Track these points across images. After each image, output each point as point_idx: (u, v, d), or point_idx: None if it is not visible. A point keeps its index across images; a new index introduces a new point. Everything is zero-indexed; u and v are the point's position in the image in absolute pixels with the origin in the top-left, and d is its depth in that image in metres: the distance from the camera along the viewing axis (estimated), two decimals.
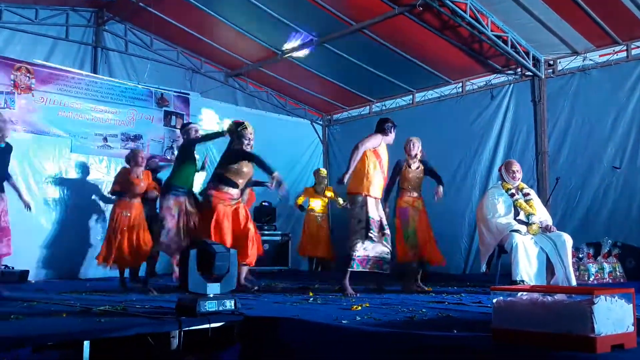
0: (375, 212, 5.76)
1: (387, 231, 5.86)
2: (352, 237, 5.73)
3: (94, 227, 8.65)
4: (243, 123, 5.75)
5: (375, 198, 5.82)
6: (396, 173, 6.66)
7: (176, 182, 6.15)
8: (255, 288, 5.83)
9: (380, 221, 5.79)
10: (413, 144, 6.63)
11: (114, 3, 9.23)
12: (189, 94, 10.01)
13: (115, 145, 9.04)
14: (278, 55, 9.76)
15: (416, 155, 6.66)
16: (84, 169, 8.81)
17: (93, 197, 8.83)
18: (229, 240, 5.49)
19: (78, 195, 8.69)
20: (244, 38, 9.36)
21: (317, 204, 9.88)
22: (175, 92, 9.83)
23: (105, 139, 8.96)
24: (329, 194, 9.88)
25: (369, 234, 5.64)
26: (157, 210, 6.76)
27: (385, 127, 6.00)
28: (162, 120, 9.59)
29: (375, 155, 5.86)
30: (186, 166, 6.22)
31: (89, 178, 8.84)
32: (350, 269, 5.63)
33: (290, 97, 11.49)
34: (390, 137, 6.05)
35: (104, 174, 8.95)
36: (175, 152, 9.17)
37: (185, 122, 8.99)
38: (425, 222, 6.68)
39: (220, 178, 5.56)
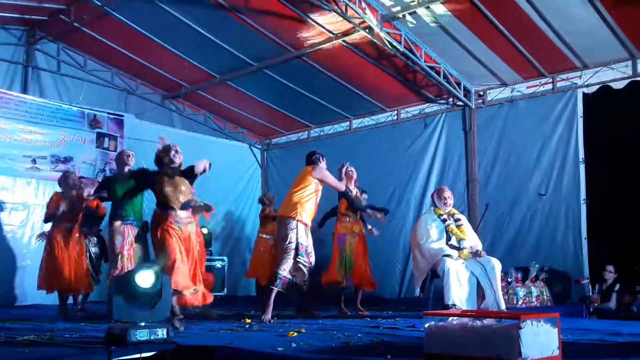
0: (305, 239, 5.84)
1: (312, 259, 5.90)
2: (280, 256, 5.80)
3: (19, 252, 8.29)
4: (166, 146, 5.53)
5: (305, 225, 5.88)
6: (339, 199, 6.83)
7: (122, 211, 5.88)
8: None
9: (307, 248, 5.84)
10: (352, 171, 6.79)
11: (46, 22, 8.98)
12: (123, 116, 9.79)
13: (44, 167, 8.73)
14: (216, 78, 9.74)
15: (355, 181, 6.81)
16: (11, 191, 8.45)
17: (19, 220, 8.47)
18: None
19: (1, 219, 8.32)
20: (181, 60, 9.26)
21: (266, 228, 9.54)
22: (108, 113, 9.60)
23: (34, 161, 8.64)
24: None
25: (298, 259, 5.68)
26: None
27: (314, 158, 6.19)
28: (94, 142, 9.34)
29: (317, 186, 6.01)
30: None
31: (16, 201, 8.48)
32: (275, 288, 5.65)
33: (228, 120, 11.43)
34: (322, 165, 6.22)
35: (31, 197, 8.60)
36: (108, 175, 8.95)
37: (119, 150, 8.79)
38: (362, 247, 6.83)
39: (161, 204, 5.36)
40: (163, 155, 5.24)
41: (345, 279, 6.72)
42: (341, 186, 6.24)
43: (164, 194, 5.13)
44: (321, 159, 6.20)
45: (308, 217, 5.92)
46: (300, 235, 5.79)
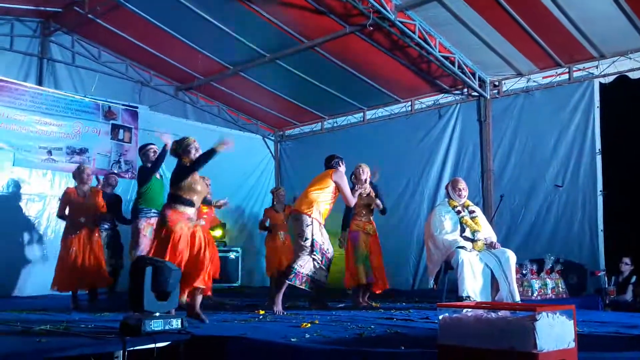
0: (320, 236, 5.83)
1: (330, 254, 5.90)
2: (296, 252, 5.82)
3: (35, 243, 8.37)
4: (184, 138, 5.52)
5: (320, 223, 5.89)
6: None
7: (144, 205, 6.16)
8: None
9: (323, 245, 5.82)
10: (362, 170, 6.80)
11: (61, 14, 9.02)
12: (137, 107, 9.83)
13: (60, 159, 8.79)
14: (229, 69, 9.74)
15: (365, 180, 6.79)
16: (27, 182, 8.52)
17: (36, 211, 8.55)
18: (182, 264, 5.26)
19: (19, 210, 8.40)
20: (194, 51, 9.28)
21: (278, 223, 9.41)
22: (123, 105, 9.64)
23: (49, 152, 8.70)
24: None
25: (313, 256, 5.68)
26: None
27: (334, 162, 6.23)
28: (109, 134, 9.39)
29: (335, 192, 6.05)
30: (150, 188, 6.18)
31: (32, 192, 8.55)
32: (288, 282, 5.64)
33: (242, 112, 11.45)
34: (342, 169, 6.27)
35: (47, 188, 8.68)
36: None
37: (144, 143, 8.89)
38: (377, 246, 6.81)
39: (175, 198, 5.34)
40: (184, 148, 5.19)
41: (367, 276, 6.66)
42: (351, 202, 6.18)
43: (193, 188, 5.09)
44: (340, 163, 6.25)
45: (321, 217, 5.92)
46: (316, 232, 5.77)
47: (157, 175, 6.30)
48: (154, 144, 6.43)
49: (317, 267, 5.74)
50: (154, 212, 6.04)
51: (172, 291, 3.83)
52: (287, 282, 5.65)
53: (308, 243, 5.73)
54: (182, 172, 5.16)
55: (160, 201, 5.92)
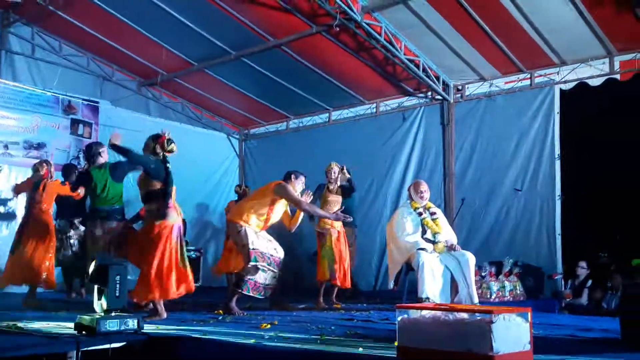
0: (257, 240, 5.65)
1: (278, 255, 5.77)
2: (245, 261, 5.67)
3: None
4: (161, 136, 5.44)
5: (252, 229, 5.72)
6: (317, 196, 6.88)
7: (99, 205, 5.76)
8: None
9: (263, 250, 5.66)
10: (333, 170, 6.97)
11: (20, 5, 8.77)
12: (98, 102, 9.64)
13: (17, 154, 8.56)
14: (194, 66, 9.62)
15: (335, 180, 6.98)
16: None
17: None
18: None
19: None
20: (158, 47, 9.11)
21: None
22: (84, 99, 9.44)
23: (6, 147, 8.46)
24: None
25: (258, 264, 5.55)
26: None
27: (287, 176, 6.01)
28: (68, 129, 9.18)
29: (272, 206, 5.78)
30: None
31: None
32: (240, 291, 5.53)
33: (206, 109, 11.31)
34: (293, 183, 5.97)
35: (3, 183, 8.43)
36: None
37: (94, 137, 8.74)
38: (342, 242, 6.83)
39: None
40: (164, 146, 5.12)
41: (330, 274, 6.72)
42: (302, 207, 5.83)
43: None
44: (294, 177, 5.96)
45: (255, 227, 5.73)
46: (250, 237, 5.60)
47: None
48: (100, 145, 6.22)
49: (267, 272, 5.62)
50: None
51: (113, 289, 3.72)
52: (241, 292, 5.55)
53: (245, 251, 5.59)
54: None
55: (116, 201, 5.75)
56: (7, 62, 9.06)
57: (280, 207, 5.84)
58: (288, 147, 10.95)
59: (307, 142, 10.59)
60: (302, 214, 6.01)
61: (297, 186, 5.91)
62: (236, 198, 9.11)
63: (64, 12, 8.68)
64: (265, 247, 5.71)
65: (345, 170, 7.08)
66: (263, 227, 5.77)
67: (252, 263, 5.54)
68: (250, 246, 5.57)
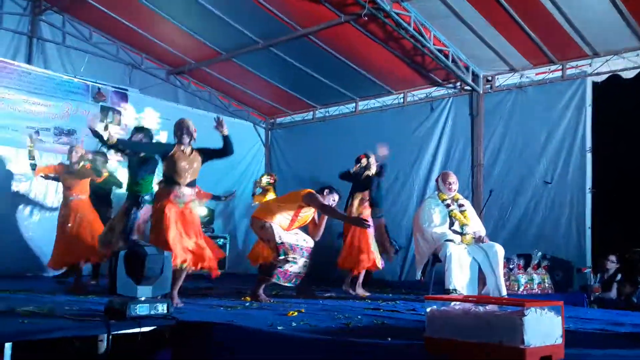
0: (285, 233, 5.74)
1: (307, 245, 5.84)
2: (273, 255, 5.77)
3: (19, 223, 8.30)
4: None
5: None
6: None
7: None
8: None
9: (292, 243, 5.74)
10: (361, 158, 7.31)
11: None
12: (127, 90, 9.74)
13: (47, 140, 8.69)
14: (222, 55, 9.65)
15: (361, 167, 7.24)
16: (13, 162, 8.42)
17: (21, 191, 8.46)
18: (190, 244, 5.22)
19: (4, 189, 8.31)
20: (187, 36, 9.19)
21: None
22: (113, 87, 9.54)
23: (37, 133, 8.58)
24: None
25: (289, 257, 5.64)
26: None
27: (321, 190, 6.03)
28: (98, 116, 9.28)
29: (297, 214, 5.85)
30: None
31: (19, 172, 8.46)
32: (270, 278, 5.62)
33: (233, 98, 11.36)
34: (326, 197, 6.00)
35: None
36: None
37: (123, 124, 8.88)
38: (365, 231, 6.83)
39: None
40: (175, 130, 5.23)
41: (354, 265, 6.83)
42: (327, 212, 5.92)
43: (176, 168, 5.11)
44: (327, 193, 5.97)
45: (278, 225, 5.80)
46: (277, 231, 5.67)
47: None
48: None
49: (298, 262, 5.70)
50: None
51: (154, 276, 3.75)
52: (270, 279, 5.62)
53: (272, 245, 5.69)
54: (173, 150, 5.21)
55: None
56: (38, 50, 9.22)
57: (307, 214, 5.91)
58: (314, 137, 10.95)
59: (334, 132, 10.57)
60: (324, 222, 6.05)
61: (327, 201, 5.95)
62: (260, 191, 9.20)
63: (94, 1, 8.77)
64: (295, 239, 5.78)
65: (370, 161, 7.20)
66: (286, 229, 5.83)
67: (281, 257, 5.61)
68: (278, 240, 5.66)
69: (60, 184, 6.91)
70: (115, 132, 6.09)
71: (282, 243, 5.66)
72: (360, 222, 6.14)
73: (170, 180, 5.14)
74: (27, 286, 6.30)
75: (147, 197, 5.92)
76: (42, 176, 7.11)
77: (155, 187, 5.50)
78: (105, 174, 6.94)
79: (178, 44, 9.66)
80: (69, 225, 6.47)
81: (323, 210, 5.84)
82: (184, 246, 4.96)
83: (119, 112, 9.50)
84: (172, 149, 5.20)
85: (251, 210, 10.20)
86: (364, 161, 7.22)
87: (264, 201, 6.01)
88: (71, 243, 6.45)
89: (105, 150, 6.43)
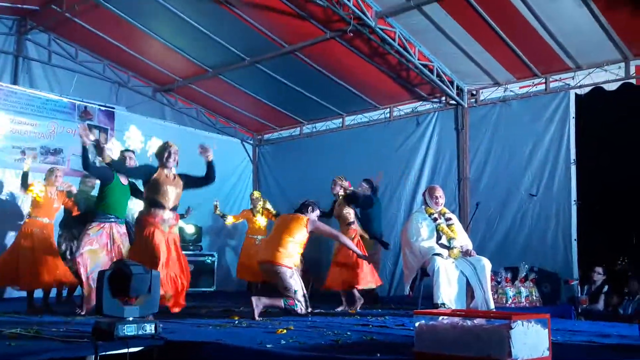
0: (299, 285, 5.81)
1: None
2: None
3: (5, 243, 8.21)
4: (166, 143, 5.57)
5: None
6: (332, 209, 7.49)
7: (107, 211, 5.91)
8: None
9: (304, 292, 5.84)
10: (335, 184, 7.43)
11: (37, 12, 8.88)
12: (114, 108, 9.72)
13: (33, 159, 8.63)
14: (208, 72, 9.68)
15: (336, 193, 7.41)
16: None
17: (7, 211, 8.39)
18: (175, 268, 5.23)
19: None
20: (174, 53, 9.21)
21: (254, 228, 9.39)
22: (99, 105, 9.53)
23: (23, 152, 8.54)
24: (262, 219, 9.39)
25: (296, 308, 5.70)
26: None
27: (304, 209, 6.17)
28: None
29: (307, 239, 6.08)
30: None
31: (5, 192, 8.40)
32: (289, 307, 5.69)
33: (220, 115, 11.37)
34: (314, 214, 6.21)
35: (20, 189, 8.51)
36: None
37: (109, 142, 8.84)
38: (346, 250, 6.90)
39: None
40: (161, 152, 5.24)
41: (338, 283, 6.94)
42: (337, 236, 6.35)
43: (161, 191, 5.10)
44: (313, 209, 6.15)
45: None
46: (298, 286, 5.77)
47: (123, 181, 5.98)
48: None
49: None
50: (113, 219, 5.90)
51: (146, 295, 3.75)
52: (287, 306, 5.65)
53: (289, 294, 5.71)
54: (157, 173, 5.20)
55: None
56: (24, 69, 9.19)
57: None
58: (302, 153, 10.98)
59: (321, 147, 10.61)
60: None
61: (313, 217, 6.14)
62: (250, 207, 9.25)
63: (80, 19, 8.79)
64: (304, 288, 5.89)
65: (346, 183, 7.47)
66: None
67: (292, 308, 5.67)
68: (297, 294, 5.69)
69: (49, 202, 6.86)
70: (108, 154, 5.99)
71: (296, 298, 5.68)
72: (363, 257, 6.41)
73: (155, 203, 5.12)
74: (13, 308, 6.23)
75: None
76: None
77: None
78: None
79: (164, 62, 9.67)
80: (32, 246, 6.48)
81: (337, 238, 6.07)
82: (169, 274, 4.99)
83: (106, 131, 9.46)
84: (155, 171, 5.20)
85: (241, 228, 10.29)
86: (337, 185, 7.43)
87: (277, 240, 5.84)
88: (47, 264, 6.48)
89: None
